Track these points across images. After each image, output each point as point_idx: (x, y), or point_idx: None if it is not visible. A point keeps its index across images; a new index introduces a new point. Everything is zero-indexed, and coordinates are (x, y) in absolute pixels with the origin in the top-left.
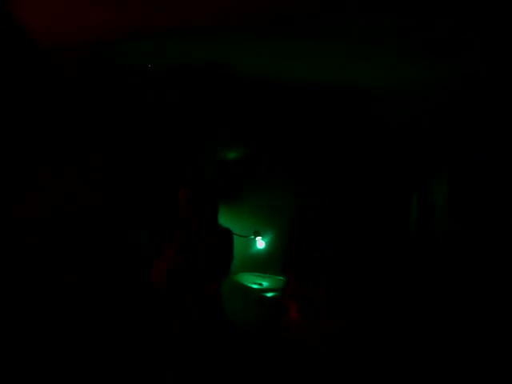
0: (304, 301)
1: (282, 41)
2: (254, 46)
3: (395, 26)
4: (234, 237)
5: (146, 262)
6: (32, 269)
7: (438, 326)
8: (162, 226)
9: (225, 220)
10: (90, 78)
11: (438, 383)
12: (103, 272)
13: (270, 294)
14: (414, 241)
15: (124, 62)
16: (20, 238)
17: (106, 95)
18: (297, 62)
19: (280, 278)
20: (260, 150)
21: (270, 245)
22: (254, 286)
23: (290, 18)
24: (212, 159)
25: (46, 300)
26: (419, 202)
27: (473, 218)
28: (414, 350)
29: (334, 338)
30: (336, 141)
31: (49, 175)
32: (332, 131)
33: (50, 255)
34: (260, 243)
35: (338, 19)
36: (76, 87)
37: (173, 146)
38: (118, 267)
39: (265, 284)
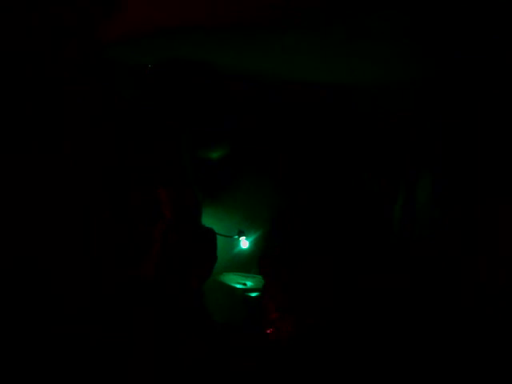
0: (285, 299)
1: (272, 40)
2: (244, 46)
3: (389, 25)
4: (218, 237)
5: (132, 261)
6: (21, 268)
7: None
8: (146, 224)
9: (209, 220)
10: (88, 78)
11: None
12: (92, 270)
13: (253, 294)
14: (399, 242)
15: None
16: (8, 239)
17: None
18: (287, 61)
19: None
20: (244, 150)
21: (253, 244)
22: (238, 286)
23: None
24: (195, 158)
25: (35, 299)
26: (403, 203)
27: (457, 220)
28: (402, 348)
29: (317, 335)
30: (323, 139)
31: (37, 173)
32: (320, 129)
33: (39, 254)
34: (244, 243)
35: (333, 18)
36: (74, 86)
37: (156, 144)
38: (106, 265)
39: (248, 284)
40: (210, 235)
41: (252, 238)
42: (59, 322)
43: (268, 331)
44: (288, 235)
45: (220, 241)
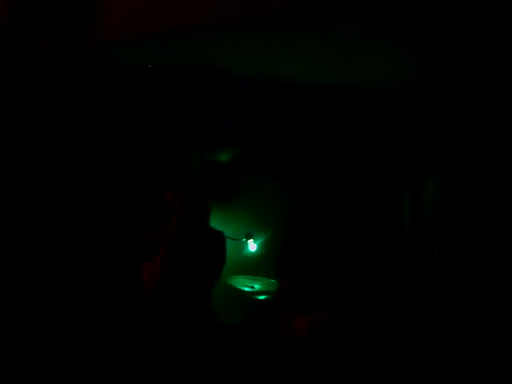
0: (301, 299)
1: (271, 40)
2: (244, 46)
3: (389, 25)
4: (227, 240)
5: (134, 263)
6: (21, 268)
7: (431, 328)
8: (150, 226)
9: (216, 223)
10: (88, 78)
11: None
12: (92, 270)
13: (262, 297)
14: (408, 242)
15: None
16: (8, 239)
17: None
18: (287, 61)
19: (272, 280)
20: (252, 151)
21: (262, 247)
22: (246, 289)
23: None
24: (202, 160)
25: (35, 299)
26: (411, 202)
27: (457, 220)
28: (407, 350)
29: (334, 337)
30: (324, 139)
31: (36, 173)
32: (320, 129)
33: (37, 255)
34: (252, 246)
35: (330, 17)
36: (74, 86)
37: (156, 144)
38: (106, 267)
39: (257, 287)
40: (219, 238)
41: (260, 240)
42: (59, 322)
43: (281, 331)
44: (301, 235)
45: (228, 244)
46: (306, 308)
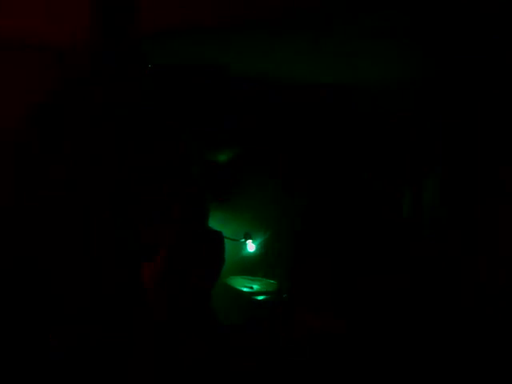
0: (316, 302)
1: (271, 40)
2: (244, 46)
3: (389, 25)
4: (225, 240)
5: (134, 263)
6: (21, 268)
7: (433, 327)
8: (150, 226)
9: (215, 223)
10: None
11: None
12: (92, 270)
13: (260, 297)
14: (408, 242)
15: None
16: (8, 239)
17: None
18: (287, 61)
19: (271, 281)
20: (252, 151)
21: (260, 248)
22: (245, 290)
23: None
24: (202, 160)
25: (35, 299)
26: (411, 202)
27: (457, 220)
28: (410, 351)
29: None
30: (324, 139)
31: (36, 173)
32: (320, 129)
33: (37, 255)
34: (250, 246)
35: (330, 17)
36: (73, 86)
37: (156, 144)
38: (106, 267)
39: (255, 287)
40: (218, 238)
41: (259, 241)
42: (59, 322)
43: (294, 332)
44: (312, 237)
45: (227, 244)
46: (320, 310)
